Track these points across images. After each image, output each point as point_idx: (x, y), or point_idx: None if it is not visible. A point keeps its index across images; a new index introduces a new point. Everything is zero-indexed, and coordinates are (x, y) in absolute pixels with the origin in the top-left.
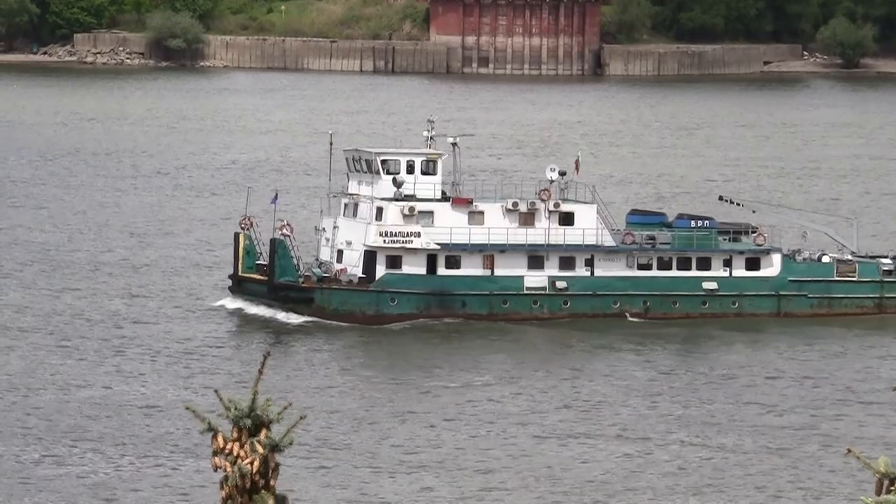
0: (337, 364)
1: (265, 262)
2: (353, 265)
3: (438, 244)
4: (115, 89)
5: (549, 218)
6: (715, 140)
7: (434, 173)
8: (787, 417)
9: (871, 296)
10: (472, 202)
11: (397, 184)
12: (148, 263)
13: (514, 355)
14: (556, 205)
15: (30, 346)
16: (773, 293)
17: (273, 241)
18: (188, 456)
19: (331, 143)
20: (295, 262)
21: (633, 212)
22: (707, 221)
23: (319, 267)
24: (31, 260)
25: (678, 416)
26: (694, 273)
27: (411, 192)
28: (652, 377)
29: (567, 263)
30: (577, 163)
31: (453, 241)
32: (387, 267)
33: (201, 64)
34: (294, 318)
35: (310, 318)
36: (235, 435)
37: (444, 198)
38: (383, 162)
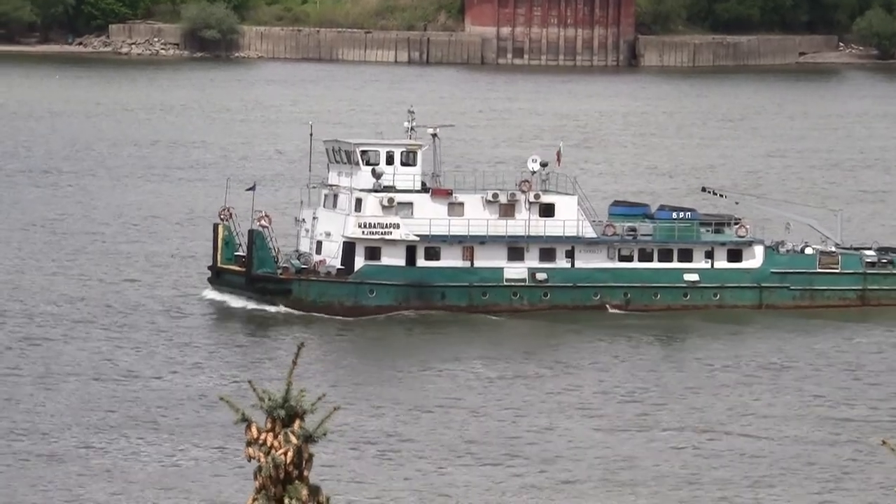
0: (312, 355)
1: (244, 254)
2: (331, 256)
3: (418, 235)
4: (152, 80)
5: (529, 209)
6: (760, 130)
7: (414, 164)
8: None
9: (853, 287)
10: (451, 193)
11: (376, 175)
12: (174, 254)
13: (491, 346)
14: (537, 196)
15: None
16: (755, 285)
17: (251, 233)
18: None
19: (311, 135)
20: (274, 253)
21: (616, 203)
22: (688, 213)
23: (298, 258)
24: (78, 249)
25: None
26: (675, 265)
27: (391, 184)
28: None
29: (547, 255)
30: (558, 154)
31: (433, 233)
32: (366, 258)
33: (236, 55)
34: (272, 310)
35: (287, 310)
36: (269, 425)
37: (424, 189)
38: (363, 153)
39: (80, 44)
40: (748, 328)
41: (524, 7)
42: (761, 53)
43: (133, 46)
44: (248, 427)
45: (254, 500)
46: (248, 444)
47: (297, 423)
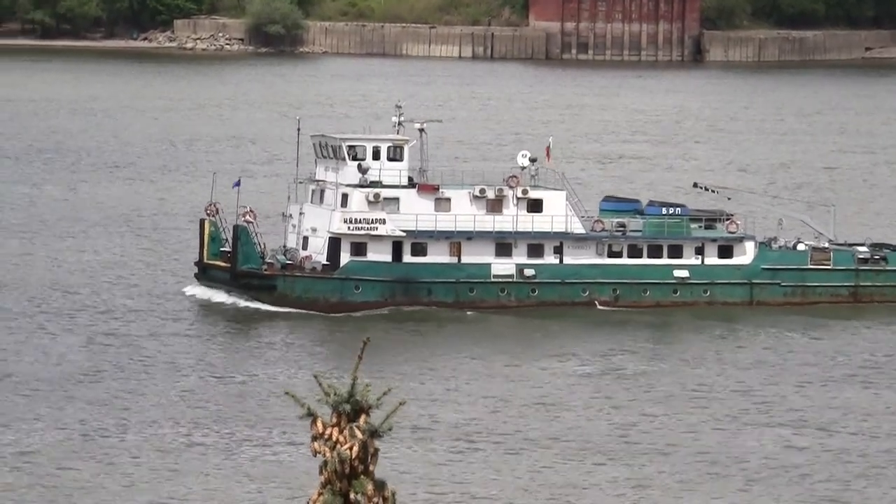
0: (296, 351)
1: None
2: (317, 252)
3: (404, 231)
4: (219, 74)
5: (517, 205)
6: (833, 126)
7: (400, 159)
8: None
9: (845, 284)
10: (438, 189)
11: (362, 170)
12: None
13: (480, 343)
14: (525, 191)
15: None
16: (746, 281)
17: (236, 228)
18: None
19: (298, 130)
20: (259, 249)
21: (607, 198)
22: (678, 209)
23: (285, 254)
24: (183, 244)
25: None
26: (665, 261)
27: (377, 179)
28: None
29: (535, 251)
30: (547, 149)
31: (419, 228)
32: (351, 254)
33: (300, 50)
34: (256, 306)
35: (272, 307)
36: (335, 420)
37: (411, 184)
38: (349, 148)
39: (145, 39)
40: (738, 325)
41: (588, 2)
42: (827, 49)
43: (198, 42)
44: (314, 422)
45: (319, 494)
46: (314, 438)
47: (362, 418)
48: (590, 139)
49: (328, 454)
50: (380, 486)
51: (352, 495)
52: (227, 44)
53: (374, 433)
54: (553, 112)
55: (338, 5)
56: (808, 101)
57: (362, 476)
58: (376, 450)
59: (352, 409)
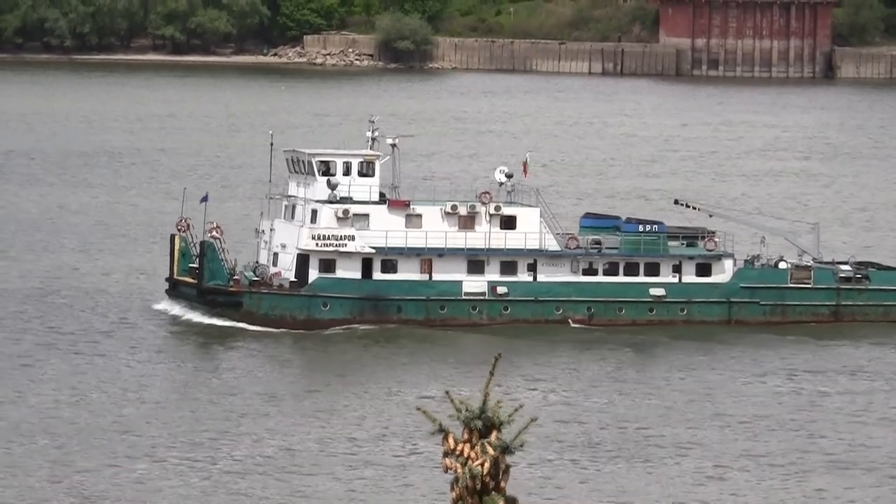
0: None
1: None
2: (287, 269)
3: (373, 248)
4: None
5: (489, 221)
6: None
7: (372, 175)
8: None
9: (826, 303)
10: (409, 204)
11: (331, 185)
12: None
13: (451, 360)
14: (497, 208)
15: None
16: (724, 300)
17: (202, 244)
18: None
19: (271, 144)
20: (227, 265)
21: (587, 215)
22: (656, 226)
23: (254, 270)
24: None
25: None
26: (641, 279)
27: (347, 195)
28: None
29: (508, 268)
30: (524, 164)
31: (389, 245)
32: (320, 271)
33: (429, 65)
34: (223, 323)
35: (238, 324)
36: (466, 436)
37: (382, 200)
38: (320, 163)
39: (275, 54)
40: (715, 344)
41: (719, 18)
42: None
43: (328, 57)
44: (446, 438)
45: None
46: (445, 454)
47: (493, 434)
48: (755, 156)
49: (459, 470)
50: (511, 502)
51: None
52: (357, 59)
53: (505, 449)
54: (707, 129)
55: (467, 21)
56: None
57: (493, 492)
58: (508, 466)
59: (483, 426)
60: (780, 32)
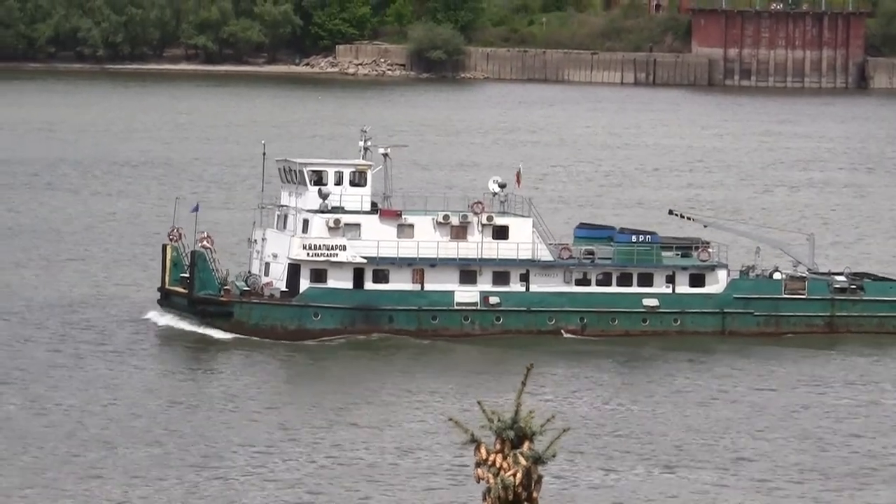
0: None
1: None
2: (278, 278)
3: (365, 258)
4: (392, 99)
5: (482, 231)
6: None
7: (363, 185)
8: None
9: (820, 314)
10: (400, 214)
11: (323, 195)
12: None
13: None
14: (490, 218)
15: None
16: (718, 311)
17: (193, 254)
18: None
19: (264, 154)
20: (219, 274)
21: (581, 225)
22: (649, 236)
23: (246, 280)
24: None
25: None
26: (634, 289)
27: (339, 204)
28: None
29: (501, 278)
30: (517, 175)
31: (381, 255)
32: (311, 281)
33: (462, 75)
34: (213, 333)
35: (229, 334)
36: (498, 447)
37: (373, 210)
38: (311, 173)
39: (307, 64)
40: (708, 355)
41: (751, 28)
42: None
43: (360, 67)
44: (477, 448)
45: None
46: (478, 465)
47: (526, 445)
48: (797, 167)
49: (491, 481)
50: None
51: None
52: (389, 69)
53: (537, 460)
54: (751, 139)
55: (499, 31)
56: None
57: (526, 503)
58: (540, 476)
59: (515, 436)
60: (813, 43)
